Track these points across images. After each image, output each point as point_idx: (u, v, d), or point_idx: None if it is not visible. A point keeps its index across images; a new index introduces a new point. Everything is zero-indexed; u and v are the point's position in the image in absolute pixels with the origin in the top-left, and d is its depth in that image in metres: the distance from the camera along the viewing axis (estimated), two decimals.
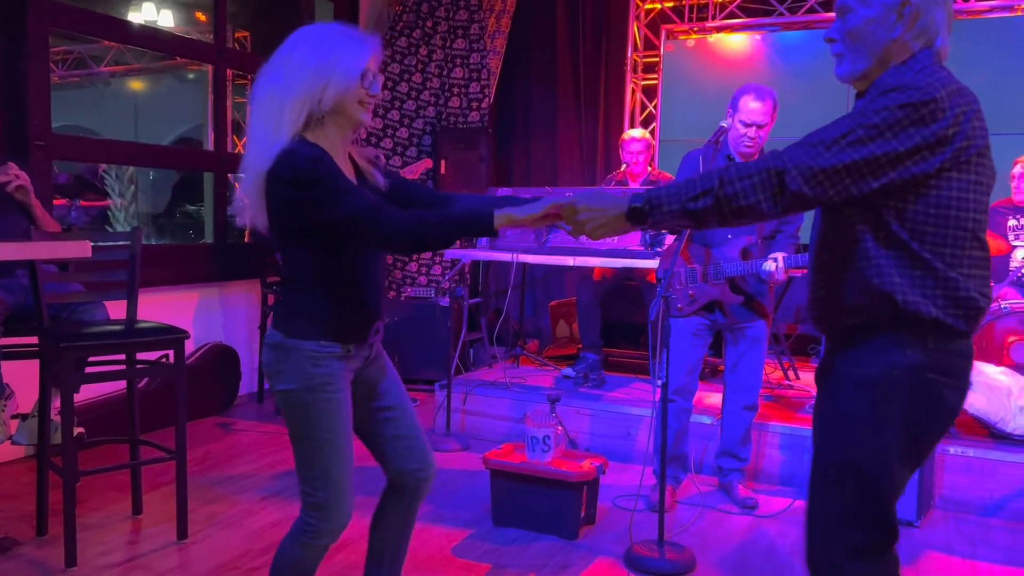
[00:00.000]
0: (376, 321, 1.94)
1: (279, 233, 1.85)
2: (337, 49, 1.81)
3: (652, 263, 3.74)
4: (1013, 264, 4.17)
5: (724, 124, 3.16)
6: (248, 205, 1.84)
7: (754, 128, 3.16)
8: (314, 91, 1.78)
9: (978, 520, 3.29)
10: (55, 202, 4.44)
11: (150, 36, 5.02)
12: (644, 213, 1.57)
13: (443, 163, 5.57)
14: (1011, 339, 3.60)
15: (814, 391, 3.95)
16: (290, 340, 1.83)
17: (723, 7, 5.82)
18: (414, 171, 5.09)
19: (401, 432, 2.04)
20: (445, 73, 5.80)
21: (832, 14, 5.79)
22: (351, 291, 1.87)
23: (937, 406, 1.53)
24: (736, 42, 5.92)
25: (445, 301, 5.19)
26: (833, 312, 1.60)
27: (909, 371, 1.51)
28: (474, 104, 5.82)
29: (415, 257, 5.79)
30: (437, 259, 5.78)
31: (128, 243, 3.04)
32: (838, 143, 1.44)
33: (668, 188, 1.56)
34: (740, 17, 5.78)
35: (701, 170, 3.15)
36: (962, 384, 1.57)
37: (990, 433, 3.48)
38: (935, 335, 1.50)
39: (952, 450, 3.40)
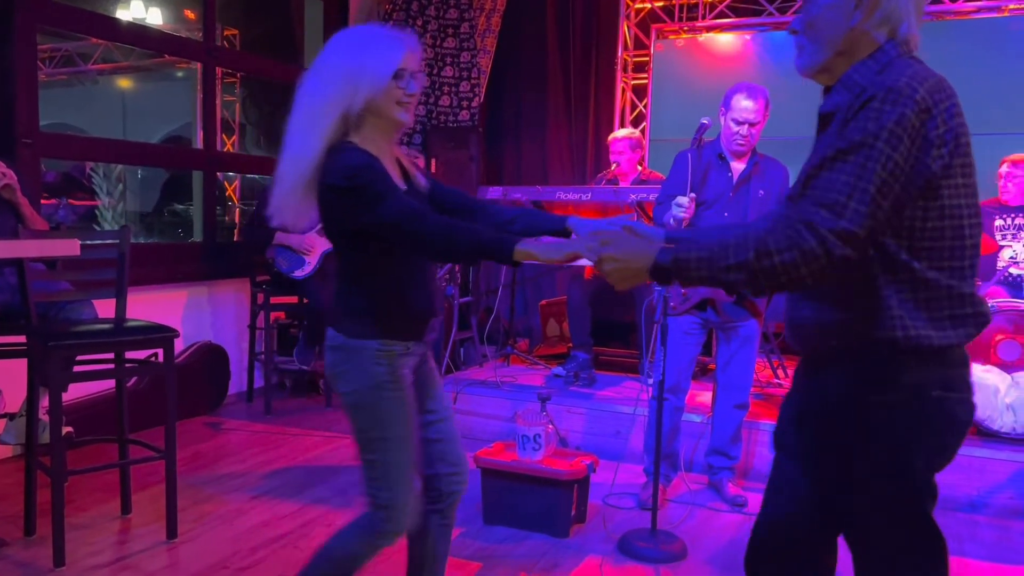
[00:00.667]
0: (432, 318, 1.95)
1: (333, 235, 1.87)
2: (367, 50, 1.81)
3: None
4: (1000, 263, 4.20)
5: (704, 121, 3.16)
6: (286, 207, 1.85)
7: (746, 126, 3.18)
8: (345, 95, 1.79)
9: (965, 517, 3.31)
10: (43, 200, 4.41)
11: (138, 34, 5.00)
12: (669, 272, 1.45)
13: (433, 162, 5.56)
14: (998, 338, 3.62)
15: None
16: (352, 340, 1.84)
17: (713, 7, 5.84)
18: None
19: (443, 436, 2.04)
20: (435, 72, 5.79)
21: None
22: (408, 288, 1.88)
23: (947, 423, 1.44)
24: (726, 41, 5.94)
25: None
26: (820, 333, 1.48)
27: (911, 393, 1.41)
28: (464, 103, 5.82)
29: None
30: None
31: (117, 242, 3.02)
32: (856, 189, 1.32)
33: (698, 248, 1.42)
34: (730, 17, 5.79)
35: (690, 172, 3.16)
36: (968, 395, 1.47)
37: (977, 431, 3.51)
38: (935, 352, 1.42)
39: None
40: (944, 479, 3.62)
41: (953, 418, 1.44)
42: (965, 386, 1.46)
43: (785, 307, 1.58)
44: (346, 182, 1.73)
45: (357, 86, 1.78)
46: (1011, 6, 5.08)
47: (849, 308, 1.42)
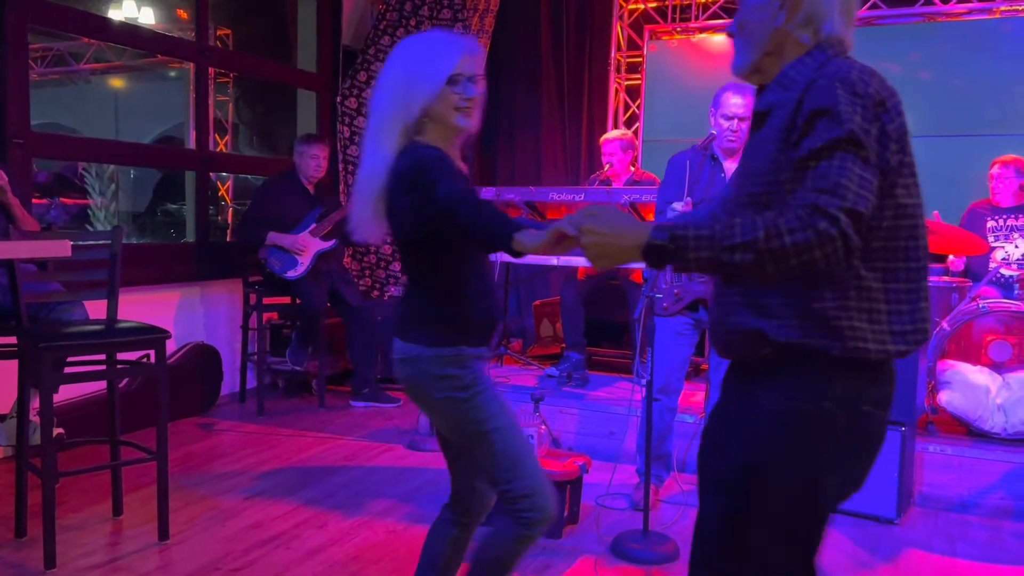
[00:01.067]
0: (498, 323, 1.96)
1: (406, 244, 1.88)
2: (418, 59, 1.83)
3: (637, 263, 3.75)
4: (992, 264, 4.22)
5: (713, 131, 3.23)
6: (364, 222, 1.88)
7: (736, 120, 3.21)
8: (400, 107, 1.82)
9: (957, 517, 3.32)
10: (34, 201, 4.40)
11: (131, 33, 4.98)
12: (667, 252, 1.31)
13: None
14: (989, 338, 3.64)
15: None
16: (430, 349, 1.84)
17: (706, 7, 5.85)
18: None
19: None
20: None
21: None
22: (479, 295, 1.88)
23: (869, 441, 1.40)
24: (719, 42, 5.94)
25: None
26: (755, 341, 1.40)
27: (842, 404, 1.36)
28: None
29: (399, 256, 5.77)
30: None
31: (108, 242, 3.01)
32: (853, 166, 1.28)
33: (697, 227, 1.30)
34: (723, 18, 5.80)
35: (688, 177, 3.17)
36: (887, 413, 1.43)
37: (968, 431, 3.52)
38: (871, 366, 1.37)
39: (931, 448, 3.43)
40: (936, 479, 3.63)
41: (876, 437, 1.41)
42: (889, 405, 1.44)
43: (713, 312, 1.51)
44: (413, 173, 1.76)
45: (410, 97, 1.81)
46: (1002, 8, 5.10)
47: (786, 315, 1.35)
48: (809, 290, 1.33)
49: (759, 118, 1.46)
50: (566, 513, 3.10)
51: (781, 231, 1.25)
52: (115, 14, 6.50)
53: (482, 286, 1.91)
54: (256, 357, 4.83)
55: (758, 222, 1.27)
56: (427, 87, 1.81)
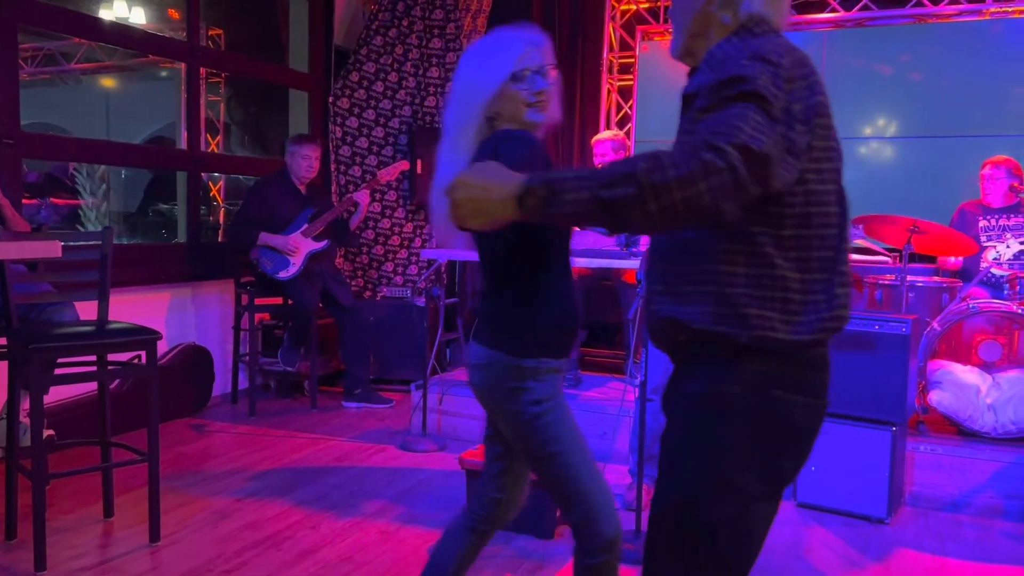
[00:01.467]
0: (579, 333, 1.92)
1: (491, 248, 1.82)
2: (479, 62, 1.83)
3: (628, 263, 3.75)
4: (983, 264, 4.24)
5: None
6: (447, 231, 1.81)
7: None
8: (470, 113, 1.81)
9: (947, 516, 3.34)
10: (24, 201, 4.38)
11: (121, 33, 4.96)
12: (540, 200, 1.22)
13: (419, 163, 5.55)
14: (979, 338, 3.65)
15: None
16: (508, 357, 1.79)
17: None
18: (391, 173, 5.08)
19: (524, 470, 1.99)
20: (421, 72, 5.78)
21: (804, 15, 5.84)
22: (558, 300, 1.83)
23: (785, 427, 1.34)
24: None
25: (421, 301, 5.18)
26: (675, 328, 1.37)
27: (750, 388, 1.31)
28: None
29: (391, 256, 5.77)
30: (413, 259, 5.77)
31: (99, 243, 3.00)
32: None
33: (578, 171, 1.23)
34: None
35: None
36: (816, 401, 1.36)
37: (959, 430, 3.53)
38: (780, 350, 1.32)
39: (922, 448, 3.45)
40: (926, 479, 3.64)
41: (792, 422, 1.34)
42: (813, 391, 1.35)
43: (643, 303, 1.53)
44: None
45: (475, 102, 1.80)
46: (992, 9, 5.13)
47: (699, 302, 1.32)
48: (723, 278, 1.30)
49: (687, 100, 1.42)
50: (559, 514, 3.10)
51: (664, 165, 1.15)
52: (106, 14, 6.48)
53: (563, 291, 1.84)
54: (248, 358, 4.81)
55: (640, 157, 1.18)
56: (489, 89, 1.79)
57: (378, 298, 5.46)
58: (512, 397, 1.80)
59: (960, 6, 5.21)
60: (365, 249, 5.72)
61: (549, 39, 1.92)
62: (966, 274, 4.42)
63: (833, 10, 5.45)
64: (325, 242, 4.78)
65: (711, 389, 1.34)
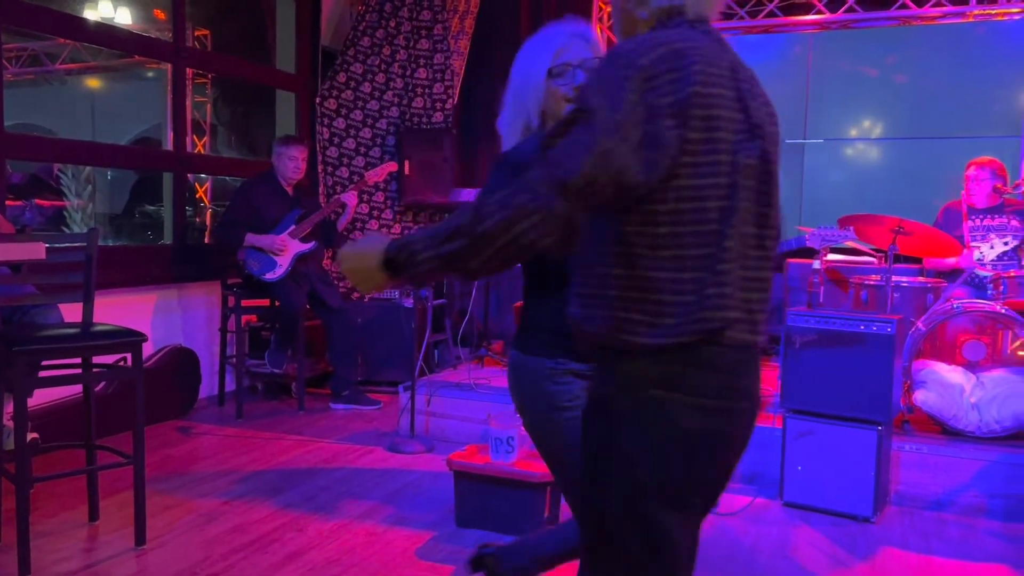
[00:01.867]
0: None
1: None
2: (522, 61, 1.83)
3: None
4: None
5: None
6: None
7: None
8: (519, 113, 1.82)
9: (932, 515, 3.36)
10: (9, 203, 4.34)
11: (106, 34, 4.94)
12: (401, 265, 1.32)
13: (407, 163, 5.54)
14: (963, 338, 3.68)
15: (775, 389, 3.98)
16: (532, 358, 1.77)
17: None
18: (379, 174, 5.07)
19: None
20: (409, 73, 5.78)
21: (790, 18, 5.86)
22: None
23: (669, 428, 1.29)
24: None
25: (409, 302, 5.17)
26: (578, 331, 1.39)
27: (627, 389, 1.30)
28: (438, 104, 5.81)
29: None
30: None
31: (84, 244, 2.98)
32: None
33: (425, 230, 1.31)
34: None
35: None
36: (707, 401, 1.30)
37: (943, 430, 3.56)
38: (656, 351, 1.29)
39: (907, 447, 3.47)
40: (911, 478, 3.66)
41: (675, 423, 1.29)
42: (698, 391, 1.29)
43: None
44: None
45: (522, 103, 1.80)
46: (976, 11, 5.17)
47: (592, 305, 1.33)
48: (603, 281, 1.31)
49: None
50: (546, 515, 3.10)
51: (484, 214, 1.23)
52: (91, 14, 6.44)
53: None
54: (235, 360, 4.79)
55: (469, 207, 1.25)
56: (531, 89, 1.79)
57: (366, 299, 5.45)
58: (535, 400, 1.79)
59: (944, 8, 5.25)
60: None
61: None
62: (954, 275, 4.44)
63: (819, 12, 5.48)
64: (312, 243, 4.77)
65: (596, 393, 1.37)
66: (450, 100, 5.82)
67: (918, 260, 4.70)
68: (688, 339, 1.26)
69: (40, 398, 3.69)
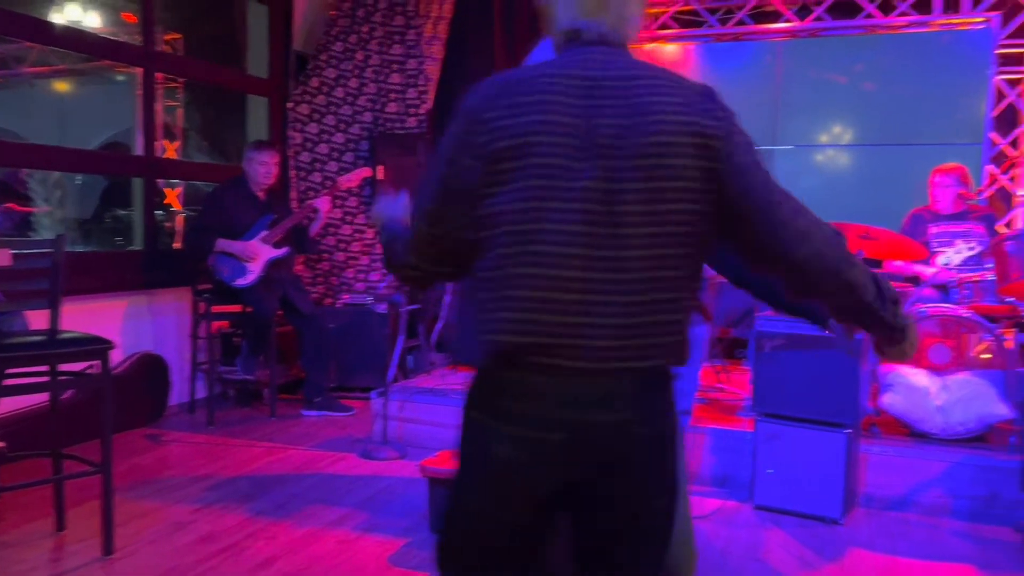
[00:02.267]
0: None
1: None
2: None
3: None
4: (932, 269, 4.34)
5: None
6: None
7: None
8: None
9: (897, 516, 3.41)
10: None
11: (75, 38, 4.88)
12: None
13: (381, 169, 5.53)
14: (929, 341, 3.74)
15: (746, 393, 4.02)
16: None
17: (657, 17, 5.93)
18: (353, 179, 5.05)
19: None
20: (382, 79, 5.77)
21: (760, 26, 5.94)
22: None
23: (481, 451, 1.33)
24: (671, 51, 6.03)
25: (382, 308, 5.16)
26: None
27: (464, 408, 1.37)
28: (411, 110, 5.81)
29: (352, 263, 5.75)
30: (375, 265, 5.74)
31: (51, 250, 2.95)
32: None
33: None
34: (674, 28, 5.89)
35: None
36: (505, 426, 1.30)
37: (910, 432, 3.62)
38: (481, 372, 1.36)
39: (875, 450, 3.52)
40: (879, 480, 3.71)
41: (485, 447, 1.32)
42: (501, 415, 1.30)
43: None
44: None
45: None
46: (940, 21, 5.26)
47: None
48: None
49: None
50: None
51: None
52: (59, 17, 6.37)
53: None
54: (206, 366, 4.75)
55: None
56: None
57: (339, 305, 5.43)
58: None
59: (909, 17, 5.34)
60: (326, 255, 5.69)
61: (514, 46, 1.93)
62: (913, 282, 4.50)
63: (787, 20, 5.55)
64: (285, 249, 4.74)
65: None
66: (424, 105, 5.82)
67: (878, 263, 4.74)
68: (482, 362, 1.32)
69: (7, 406, 3.64)
